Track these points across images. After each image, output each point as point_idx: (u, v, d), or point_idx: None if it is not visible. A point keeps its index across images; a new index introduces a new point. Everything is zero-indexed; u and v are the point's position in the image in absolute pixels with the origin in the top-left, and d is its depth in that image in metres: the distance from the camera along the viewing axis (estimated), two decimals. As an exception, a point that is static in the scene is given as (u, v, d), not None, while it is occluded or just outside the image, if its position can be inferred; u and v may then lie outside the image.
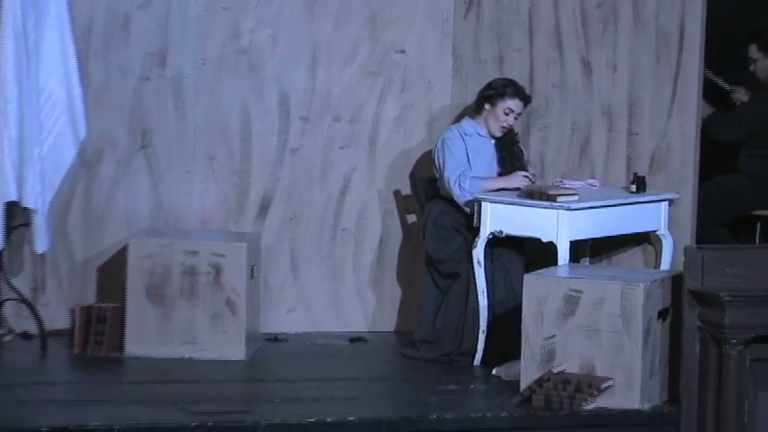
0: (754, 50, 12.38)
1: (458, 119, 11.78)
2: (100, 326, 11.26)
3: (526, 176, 11.27)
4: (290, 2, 11.94)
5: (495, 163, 11.46)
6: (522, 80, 11.57)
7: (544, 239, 10.98)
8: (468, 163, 11.27)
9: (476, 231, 11.13)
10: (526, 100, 11.40)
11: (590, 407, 10.12)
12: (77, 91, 11.37)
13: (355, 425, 9.88)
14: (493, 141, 11.46)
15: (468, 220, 11.28)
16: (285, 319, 12.03)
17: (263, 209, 12.04)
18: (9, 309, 11.48)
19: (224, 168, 11.97)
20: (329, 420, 9.81)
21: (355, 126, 12.09)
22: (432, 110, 12.07)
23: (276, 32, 11.95)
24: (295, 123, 12.04)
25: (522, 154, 11.62)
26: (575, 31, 11.79)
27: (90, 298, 11.70)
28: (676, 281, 10.48)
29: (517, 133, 11.61)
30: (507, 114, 11.34)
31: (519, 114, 11.41)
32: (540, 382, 10.24)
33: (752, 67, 12.43)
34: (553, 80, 11.84)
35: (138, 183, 11.89)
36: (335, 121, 12.09)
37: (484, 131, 11.43)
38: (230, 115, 11.96)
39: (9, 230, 11.30)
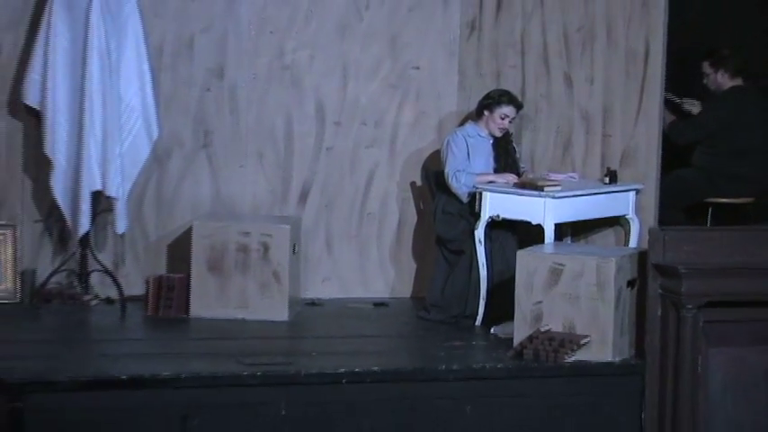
0: (706, 66, 12.38)
1: (462, 123, 11.78)
2: (169, 292, 11.28)
3: (511, 179, 11.32)
4: (325, 27, 11.94)
5: (491, 159, 11.47)
6: (515, 91, 11.55)
7: (534, 222, 11.00)
8: (467, 160, 11.29)
9: (477, 216, 11.15)
10: (519, 106, 11.42)
11: (571, 359, 10.13)
12: (150, 99, 11.38)
13: (378, 373, 9.89)
14: (491, 141, 11.47)
15: (470, 207, 11.30)
16: (321, 287, 12.03)
17: (303, 197, 12.05)
18: (95, 278, 11.49)
19: (271, 163, 11.98)
20: (357, 370, 9.83)
21: (378, 129, 12.10)
22: (440, 116, 12.07)
23: (313, 52, 11.96)
24: (329, 127, 12.04)
25: (515, 151, 11.63)
26: (558, 51, 11.77)
27: (161, 269, 11.69)
28: (642, 256, 10.46)
29: (511, 134, 11.63)
30: (503, 119, 11.36)
31: (513, 119, 11.43)
32: (530, 338, 10.24)
33: (705, 81, 12.43)
34: (541, 91, 11.83)
35: (201, 175, 11.89)
36: (362, 125, 12.09)
37: (484, 133, 11.44)
38: (276, 120, 11.96)
39: (95, 215, 11.32)
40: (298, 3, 11.90)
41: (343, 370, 9.86)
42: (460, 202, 11.32)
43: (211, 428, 9.27)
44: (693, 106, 12.53)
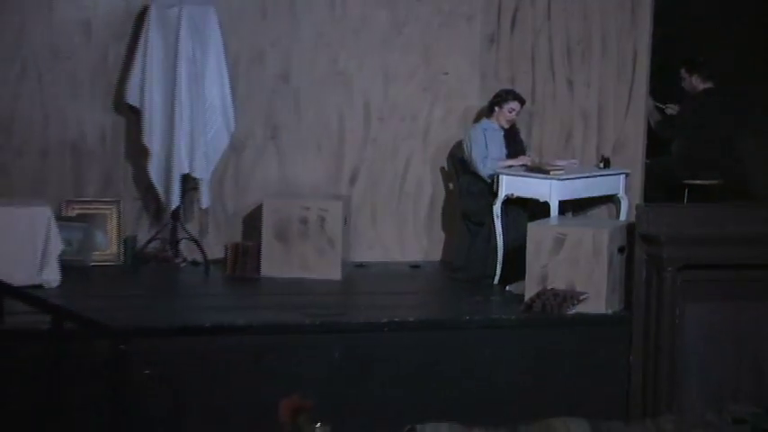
0: (683, 72, 12.39)
1: (476, 119, 11.75)
2: (244, 256, 11.26)
3: (527, 160, 11.30)
4: (371, 40, 11.90)
5: (503, 146, 11.44)
6: (526, 93, 11.52)
7: (541, 200, 10.96)
8: (486, 149, 11.28)
9: (495, 194, 11.12)
10: (522, 101, 11.40)
11: (572, 311, 10.10)
12: (229, 100, 11.39)
13: (413, 322, 9.90)
14: (502, 132, 11.45)
15: (489, 187, 11.26)
16: (367, 252, 11.98)
17: (353, 179, 12.00)
18: (184, 245, 11.50)
19: (327, 152, 11.94)
20: (396, 320, 9.83)
21: (413, 124, 12.05)
22: (464, 113, 12.00)
23: (361, 61, 11.91)
24: (374, 122, 12.00)
25: (522, 141, 11.64)
26: (562, 60, 11.74)
27: (237, 237, 11.67)
28: (630, 227, 10.44)
29: (518, 126, 11.62)
30: (510, 112, 11.37)
31: (519, 112, 11.43)
32: (538, 294, 10.21)
33: (682, 84, 12.43)
34: (548, 93, 11.79)
35: (269, 161, 11.87)
36: (401, 120, 12.04)
37: (496, 126, 11.40)
38: (331, 116, 11.93)
39: (184, 193, 11.34)
40: (348, 21, 11.87)
41: (385, 320, 9.87)
42: (483, 182, 11.28)
43: (278, 368, 9.25)
44: (674, 110, 12.56)
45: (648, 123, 11.85)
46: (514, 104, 11.38)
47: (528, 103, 11.54)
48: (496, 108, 11.40)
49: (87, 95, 11.45)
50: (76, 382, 8.47)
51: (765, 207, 11.06)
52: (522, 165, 11.27)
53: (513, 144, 11.56)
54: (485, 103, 11.68)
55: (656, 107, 12.45)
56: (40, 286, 10.15)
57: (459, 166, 11.67)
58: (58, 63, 11.38)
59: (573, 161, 11.56)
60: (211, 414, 9.18)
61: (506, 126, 11.44)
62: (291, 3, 11.77)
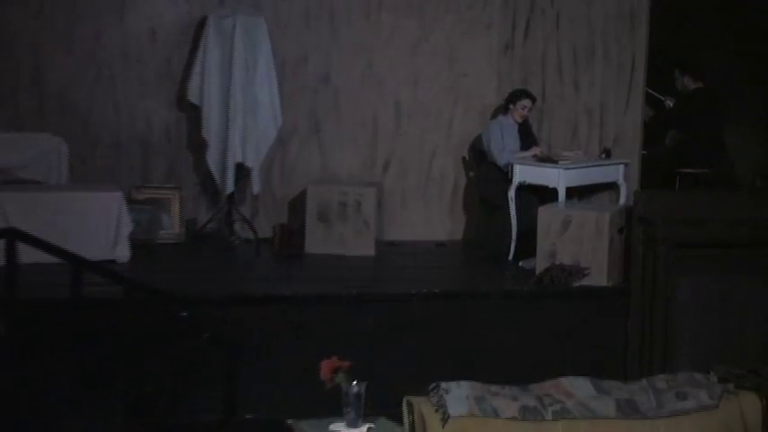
0: (677, 72, 12.38)
1: (494, 115, 11.76)
2: (290, 235, 11.30)
3: (537, 151, 11.29)
4: (402, 47, 11.92)
5: (518, 139, 11.43)
6: (537, 93, 11.52)
7: (550, 186, 10.96)
8: (502, 142, 11.28)
9: (510, 181, 11.12)
10: (534, 99, 11.41)
11: (577, 284, 10.11)
12: (276, 99, 11.42)
13: (438, 293, 9.93)
14: (517, 127, 11.44)
15: (504, 175, 11.26)
16: (398, 232, 11.99)
17: (385, 167, 12.03)
18: (237, 225, 11.54)
19: (362, 144, 11.97)
20: (423, 291, 9.86)
21: (438, 119, 12.07)
22: (483, 110, 12.02)
23: (393, 65, 11.94)
24: (404, 118, 12.03)
25: (534, 134, 11.63)
26: (569, 63, 11.75)
27: (284, 219, 11.72)
28: (629, 210, 10.44)
29: (531, 123, 11.62)
30: (523, 109, 11.38)
31: (531, 108, 11.43)
32: (547, 269, 10.22)
33: (676, 83, 12.42)
34: (556, 93, 11.78)
35: (312, 152, 11.91)
36: (427, 116, 12.07)
37: (511, 121, 11.39)
38: (366, 113, 11.96)
39: (237, 180, 11.37)
40: (381, 29, 11.89)
41: (413, 291, 9.89)
42: (499, 171, 11.28)
43: (319, 333, 9.28)
44: (671, 101, 12.52)
45: (646, 118, 11.86)
46: (527, 102, 11.40)
47: (539, 102, 11.55)
48: (511, 105, 11.40)
49: (154, 94, 11.52)
50: (145, 344, 8.53)
51: (748, 193, 11.03)
52: (534, 155, 11.26)
53: (527, 137, 11.55)
54: (500, 101, 11.68)
55: (654, 97, 12.42)
56: (113, 261, 10.22)
57: (478, 156, 11.70)
58: (128, 66, 11.45)
59: (578, 152, 11.55)
60: (261, 374, 9.21)
61: (520, 121, 11.44)
62: (331, 13, 11.79)
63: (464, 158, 12.11)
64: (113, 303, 8.60)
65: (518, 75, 11.90)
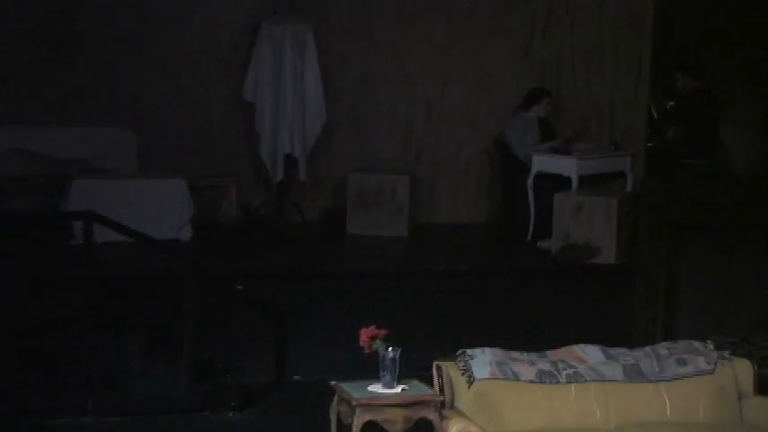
0: (679, 74, 12.28)
1: (514, 112, 11.72)
2: (334, 216, 11.36)
3: (556, 143, 11.26)
4: (431, 50, 11.92)
5: (538, 133, 11.40)
6: (554, 91, 11.52)
7: (565, 175, 10.94)
8: (522, 135, 11.26)
9: (529, 170, 11.10)
10: (552, 96, 11.37)
11: (589, 261, 10.10)
12: (321, 97, 11.48)
13: (464, 269, 9.98)
14: (537, 122, 11.41)
15: (524, 165, 11.23)
16: (429, 214, 11.95)
17: (417, 158, 12.02)
18: (287, 208, 11.58)
19: (397, 137, 11.98)
20: (451, 268, 9.93)
21: (465, 115, 12.06)
22: (505, 107, 11.99)
23: (425, 67, 11.93)
24: (434, 114, 12.03)
25: (551, 129, 11.60)
26: (582, 65, 11.75)
27: (328, 203, 11.77)
28: (636, 197, 10.42)
29: (548, 118, 11.61)
30: (547, 105, 11.38)
31: (549, 104, 11.37)
32: (562, 248, 10.23)
33: (678, 83, 12.34)
34: (570, 91, 11.77)
35: (352, 144, 11.93)
36: (455, 113, 12.05)
37: (532, 117, 11.36)
38: (400, 110, 11.96)
39: (287, 168, 11.42)
40: (413, 34, 11.86)
41: (442, 267, 9.92)
42: (519, 161, 11.25)
43: (358, 304, 9.26)
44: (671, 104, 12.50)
45: (651, 114, 11.79)
46: (548, 99, 11.39)
47: (555, 99, 11.51)
48: (536, 104, 11.36)
49: (213, 92, 11.56)
50: (205, 314, 8.57)
51: (742, 181, 10.97)
52: (549, 147, 11.22)
53: (546, 131, 11.51)
54: (520, 99, 11.63)
55: (660, 104, 12.37)
56: (176, 240, 10.26)
57: (500, 148, 11.67)
58: (191, 67, 11.49)
59: (590, 144, 11.51)
60: (307, 340, 9.23)
61: (544, 115, 11.40)
62: (369, 20, 11.79)
63: (487, 150, 12.06)
64: (177, 278, 8.63)
65: (537, 75, 11.87)
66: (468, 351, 7.04)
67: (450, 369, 7.01)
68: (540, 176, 11.10)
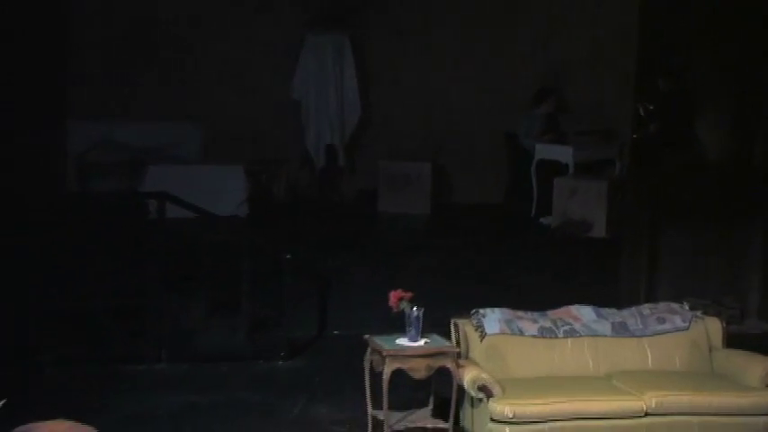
0: (660, 79, 12.13)
1: (523, 108, 11.65)
2: (368, 196, 11.38)
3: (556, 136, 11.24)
4: (449, 57, 11.94)
5: (545, 126, 11.32)
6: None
7: (563, 162, 10.94)
8: (528, 129, 11.22)
9: (533, 158, 11.08)
10: (557, 93, 11.37)
11: (583, 235, 10.09)
12: (357, 96, 11.56)
13: (478, 240, 10.02)
14: (544, 117, 11.33)
15: (529, 154, 11.20)
16: (447, 195, 11.94)
17: (438, 147, 11.97)
18: (327, 190, 11.62)
19: (421, 130, 11.93)
20: (467, 240, 9.89)
21: (478, 112, 11.98)
22: (512, 105, 11.90)
23: (444, 71, 11.93)
24: (453, 111, 12.00)
25: (557, 123, 11.53)
26: (580, 68, 11.71)
27: (362, 185, 11.77)
28: (623, 181, 10.43)
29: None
30: (553, 102, 11.29)
31: (555, 101, 11.33)
32: (561, 224, 10.21)
33: (660, 86, 12.19)
34: (571, 90, 11.71)
35: (383, 136, 11.93)
36: (474, 108, 11.97)
37: (540, 112, 11.30)
38: (424, 107, 11.93)
39: (327, 156, 11.49)
40: (436, 44, 11.87)
41: (459, 239, 9.90)
42: (525, 150, 11.22)
43: (388, 269, 9.24)
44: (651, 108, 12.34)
45: (636, 111, 11.69)
46: (553, 97, 11.33)
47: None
48: (543, 101, 11.30)
49: (266, 92, 11.52)
50: (260, 278, 8.61)
51: (712, 169, 10.89)
52: (549, 138, 11.16)
53: (554, 124, 11.44)
54: (524, 98, 11.58)
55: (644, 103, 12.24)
56: (235, 216, 10.26)
57: (509, 139, 11.63)
58: (247, 70, 11.50)
59: (585, 137, 11.47)
60: (345, 300, 9.26)
61: (552, 111, 11.34)
62: (397, 31, 11.77)
63: (497, 142, 12.01)
64: (236, 248, 8.68)
65: (539, 78, 11.82)
66: (481, 310, 7.06)
67: (466, 326, 7.03)
68: (542, 163, 11.08)
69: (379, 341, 6.65)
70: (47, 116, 10.21)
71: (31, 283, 8.20)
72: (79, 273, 8.41)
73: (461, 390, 6.64)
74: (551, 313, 7.21)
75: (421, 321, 6.60)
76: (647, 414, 6.69)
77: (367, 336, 6.78)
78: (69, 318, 8.26)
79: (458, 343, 6.87)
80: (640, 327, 7.29)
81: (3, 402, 4.96)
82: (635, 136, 11.56)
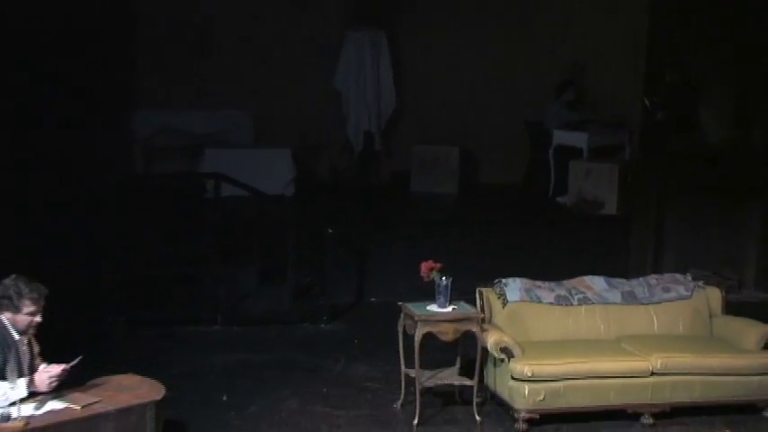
0: (667, 72, 11.91)
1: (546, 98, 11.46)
2: (401, 177, 11.27)
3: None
4: (475, 52, 11.71)
5: (565, 111, 11.18)
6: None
7: (578, 146, 10.83)
8: (550, 116, 11.13)
9: (550, 143, 11.00)
10: (575, 84, 11.26)
11: (596, 213, 10.04)
12: (392, 87, 11.42)
13: (501, 219, 9.94)
14: (566, 103, 11.18)
15: (548, 139, 11.08)
16: (474, 177, 11.77)
17: (466, 133, 11.79)
18: (365, 171, 11.55)
19: (449, 118, 11.75)
20: (491, 218, 9.84)
21: (501, 102, 11.80)
22: (531, 95, 11.74)
23: (470, 65, 11.75)
24: (478, 101, 11.83)
25: (577, 108, 11.31)
26: (594, 63, 11.57)
27: (397, 167, 11.60)
28: (633, 163, 10.36)
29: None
30: (573, 91, 11.17)
31: (574, 91, 11.22)
32: (576, 203, 10.16)
33: (666, 78, 11.97)
34: (585, 85, 11.58)
35: (415, 123, 11.71)
36: (496, 98, 11.80)
37: (563, 101, 11.14)
38: (452, 97, 11.73)
39: (365, 141, 11.39)
40: (463, 40, 11.67)
41: (483, 217, 9.87)
42: (543, 136, 11.13)
43: (420, 243, 9.14)
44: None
45: (645, 101, 11.57)
46: (572, 87, 11.23)
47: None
48: (563, 92, 11.18)
49: (311, 83, 11.49)
50: (304, 250, 8.64)
51: (713, 153, 10.78)
52: (567, 124, 11.07)
53: (574, 110, 11.28)
54: (542, 89, 11.45)
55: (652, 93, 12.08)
56: (282, 195, 10.29)
57: (529, 126, 11.53)
58: (293, 64, 11.46)
59: (598, 125, 11.35)
60: (381, 271, 9.25)
61: (572, 99, 11.22)
62: (428, 28, 11.65)
63: (519, 128, 11.89)
64: (283, 223, 8.72)
65: (557, 71, 11.68)
66: (504, 280, 7.06)
67: (490, 294, 7.04)
68: (559, 148, 11.01)
69: (412, 307, 6.68)
70: (117, 106, 10.29)
71: (103, 254, 8.29)
72: (145, 245, 8.49)
73: (485, 351, 6.66)
74: (567, 283, 7.21)
75: (449, 290, 6.61)
76: (652, 374, 6.71)
77: (401, 303, 6.82)
78: (137, 285, 8.35)
79: (482, 309, 6.88)
80: (647, 295, 7.27)
81: (79, 358, 5.03)
82: (644, 124, 11.49)
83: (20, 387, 4.87)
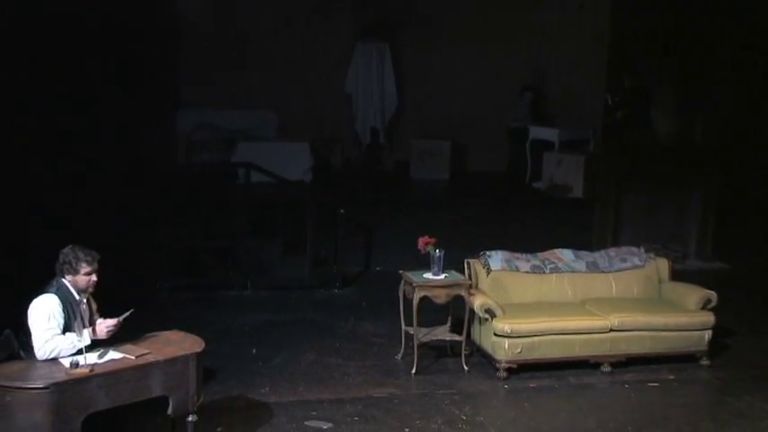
0: (625, 76, 11.82)
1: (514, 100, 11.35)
2: (403, 166, 11.21)
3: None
4: (465, 61, 11.60)
5: (526, 110, 11.04)
6: (541, 86, 11.23)
7: (551, 140, 10.74)
8: (516, 115, 11.01)
9: (527, 137, 10.93)
10: (532, 90, 11.06)
11: (565, 196, 9.98)
12: (395, 90, 11.36)
13: (486, 201, 9.84)
14: (528, 106, 11.08)
15: (525, 133, 10.97)
16: (462, 165, 11.61)
17: (457, 129, 11.73)
18: (372, 161, 11.48)
19: (443, 116, 11.63)
20: (477, 200, 9.76)
21: (486, 102, 11.60)
22: (510, 96, 11.62)
23: (460, 71, 11.60)
24: (467, 102, 11.72)
25: (538, 110, 11.28)
26: (562, 70, 11.43)
27: (400, 157, 11.45)
28: (596, 154, 10.22)
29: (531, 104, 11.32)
30: (530, 95, 11.01)
31: (531, 95, 11.05)
32: (549, 186, 10.05)
33: (624, 82, 11.87)
34: (553, 86, 11.45)
35: (414, 121, 11.63)
36: (480, 100, 11.64)
37: (525, 102, 11.02)
38: (446, 98, 11.60)
39: (372, 135, 11.35)
40: (456, 50, 11.53)
41: (470, 197, 9.82)
42: (521, 131, 11.05)
43: (416, 218, 9.00)
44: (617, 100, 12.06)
45: (606, 101, 11.49)
46: (529, 93, 11.11)
47: (543, 91, 11.21)
48: (521, 95, 11.11)
49: (325, 87, 11.46)
50: (321, 227, 8.62)
51: (662, 145, 10.72)
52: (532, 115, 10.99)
53: (536, 111, 11.21)
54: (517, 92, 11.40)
55: (612, 95, 11.99)
56: (302, 180, 10.26)
57: (509, 124, 11.45)
58: (313, 71, 11.40)
59: (566, 121, 11.27)
60: (385, 245, 9.25)
61: (529, 102, 11.13)
62: (426, 40, 11.56)
63: (500, 125, 11.82)
64: (303, 204, 8.71)
65: (533, 75, 11.61)
66: (488, 252, 7.08)
67: (476, 264, 7.06)
68: (535, 141, 10.97)
69: (411, 275, 6.71)
70: (162, 105, 10.26)
71: (153, 230, 8.31)
72: (186, 222, 8.51)
73: (472, 312, 6.69)
74: (540, 255, 7.22)
75: (442, 260, 6.63)
76: (611, 330, 6.76)
77: (401, 271, 6.84)
78: (180, 256, 8.38)
79: (470, 277, 6.91)
80: (607, 265, 7.29)
81: (130, 311, 5.07)
82: (605, 121, 11.41)
83: (85, 337, 4.94)
